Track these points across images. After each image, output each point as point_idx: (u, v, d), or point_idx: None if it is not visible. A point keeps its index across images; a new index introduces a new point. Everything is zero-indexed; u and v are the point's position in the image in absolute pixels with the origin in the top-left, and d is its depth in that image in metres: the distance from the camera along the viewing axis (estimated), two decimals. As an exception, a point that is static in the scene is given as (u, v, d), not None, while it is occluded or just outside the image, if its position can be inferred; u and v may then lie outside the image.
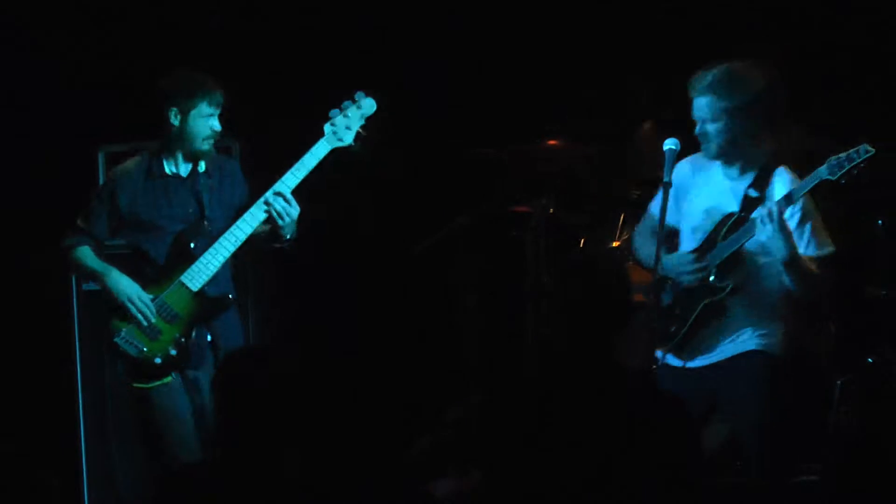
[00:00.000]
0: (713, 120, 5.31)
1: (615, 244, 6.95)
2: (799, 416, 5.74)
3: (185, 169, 5.72)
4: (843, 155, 5.19)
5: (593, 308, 4.15)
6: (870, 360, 6.75)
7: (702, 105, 5.33)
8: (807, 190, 5.23)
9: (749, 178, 5.40)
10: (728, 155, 5.38)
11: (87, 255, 5.72)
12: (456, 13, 7.68)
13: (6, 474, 6.41)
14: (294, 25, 7.60)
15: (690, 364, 5.42)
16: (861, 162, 5.16)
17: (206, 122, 5.65)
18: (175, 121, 5.64)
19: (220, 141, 6.24)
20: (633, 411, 4.08)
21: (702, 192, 5.48)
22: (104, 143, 6.70)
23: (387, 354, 7.50)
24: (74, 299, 6.68)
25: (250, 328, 6.50)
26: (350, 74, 7.55)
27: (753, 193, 5.35)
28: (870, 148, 5.19)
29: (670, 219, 5.47)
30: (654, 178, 5.81)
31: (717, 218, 5.41)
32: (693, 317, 5.39)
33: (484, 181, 7.29)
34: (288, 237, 5.69)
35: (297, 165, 5.65)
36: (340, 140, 5.69)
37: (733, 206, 5.39)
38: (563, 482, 4.02)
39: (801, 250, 5.27)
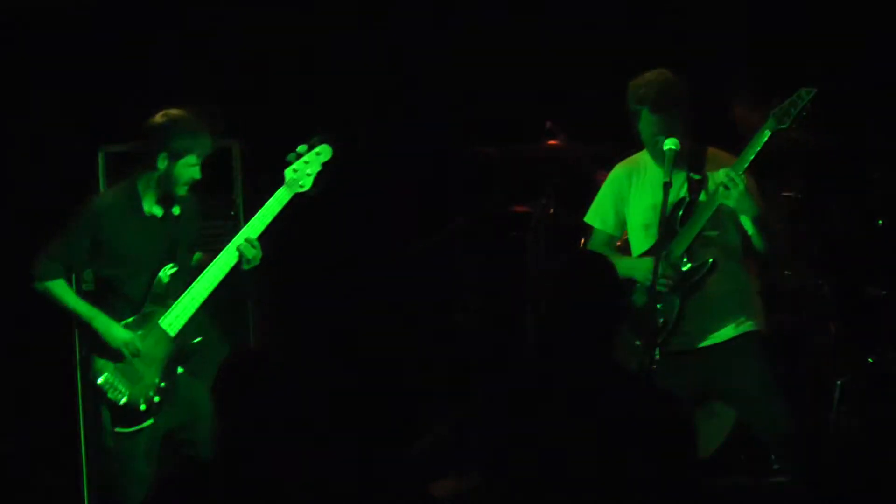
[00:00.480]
0: (668, 132, 5.44)
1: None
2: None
3: (159, 210, 5.76)
4: (784, 103, 5.37)
5: (584, 307, 4.16)
6: (870, 360, 6.75)
7: (655, 120, 5.51)
8: (761, 145, 5.40)
9: (685, 164, 5.53)
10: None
11: (64, 290, 5.73)
12: (458, 13, 7.68)
13: (6, 474, 6.41)
14: (294, 24, 7.60)
15: (689, 347, 5.56)
16: (806, 104, 5.33)
17: (190, 170, 5.69)
18: (161, 164, 5.66)
19: (220, 141, 6.25)
20: (633, 411, 4.08)
21: (644, 190, 5.64)
22: (104, 143, 6.69)
23: (387, 354, 7.49)
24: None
25: (251, 328, 6.49)
26: (351, 75, 7.58)
27: (696, 176, 5.50)
28: (810, 89, 5.35)
29: (611, 229, 5.75)
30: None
31: (666, 211, 5.50)
32: (679, 305, 5.54)
33: (484, 181, 7.29)
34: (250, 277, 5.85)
35: (260, 213, 5.77)
36: (301, 186, 5.80)
37: (679, 194, 5.52)
38: (562, 481, 4.02)
39: None
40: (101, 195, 5.91)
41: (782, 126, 5.42)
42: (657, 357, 5.39)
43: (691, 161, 5.58)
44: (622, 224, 5.75)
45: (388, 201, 7.71)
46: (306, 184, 5.80)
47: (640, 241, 5.67)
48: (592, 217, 5.82)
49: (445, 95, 7.68)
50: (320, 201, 7.34)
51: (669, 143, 5.52)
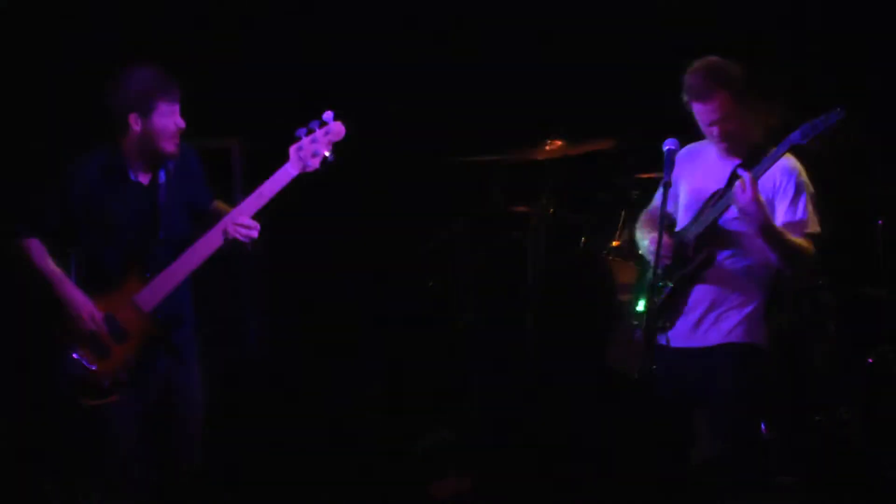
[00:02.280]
0: (724, 118, 5.38)
1: (615, 244, 6.96)
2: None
3: (146, 177, 5.48)
4: (816, 120, 5.28)
5: (580, 307, 4.18)
6: (870, 360, 6.75)
7: (697, 110, 5.41)
8: (780, 155, 5.33)
9: (740, 154, 5.48)
10: (729, 140, 5.46)
11: (36, 250, 5.45)
12: (459, 14, 7.70)
13: (6, 475, 6.42)
14: (294, 25, 7.61)
15: (674, 344, 5.41)
16: (833, 125, 5.25)
17: (169, 119, 5.39)
18: (137, 126, 5.39)
19: (220, 141, 6.22)
20: (631, 411, 4.09)
21: (696, 174, 5.57)
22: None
23: (387, 355, 7.50)
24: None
25: (251, 330, 6.49)
26: (353, 75, 7.60)
27: (742, 172, 5.37)
28: (841, 111, 5.28)
29: (672, 208, 5.59)
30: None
31: (706, 196, 5.47)
32: (668, 291, 5.43)
33: (484, 182, 7.31)
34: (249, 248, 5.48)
35: (258, 191, 5.41)
36: (306, 167, 5.40)
37: (721, 185, 5.46)
38: (562, 481, 4.03)
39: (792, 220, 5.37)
40: (82, 157, 5.51)
41: (803, 142, 5.34)
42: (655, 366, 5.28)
43: (750, 154, 5.45)
44: (676, 199, 5.64)
45: (388, 203, 7.73)
46: (312, 164, 5.38)
47: (681, 224, 5.61)
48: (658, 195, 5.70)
49: (445, 95, 7.71)
50: (319, 201, 7.40)
51: (669, 143, 5.49)
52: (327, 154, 5.42)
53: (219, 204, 5.63)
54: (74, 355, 5.41)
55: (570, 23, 7.66)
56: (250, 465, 5.98)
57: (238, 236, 5.38)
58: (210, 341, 5.72)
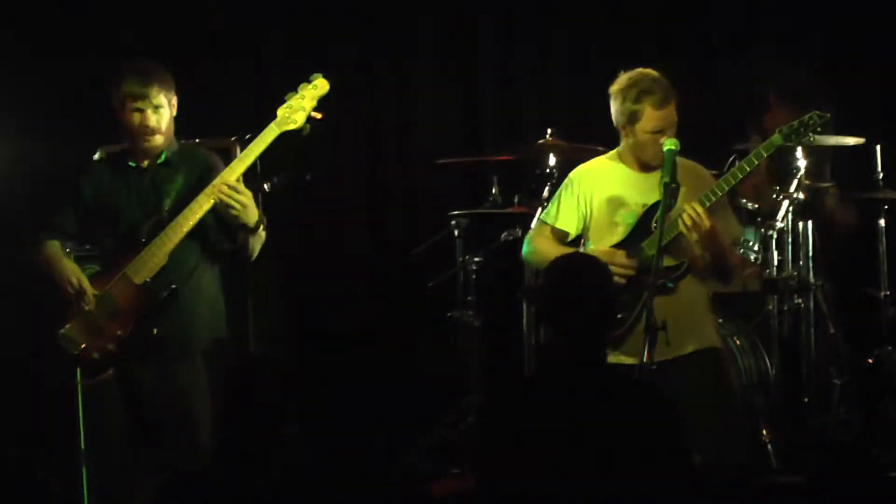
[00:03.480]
0: (672, 125, 5.37)
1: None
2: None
3: (145, 161, 5.49)
4: (795, 123, 5.27)
5: (581, 308, 4.17)
6: (870, 360, 6.75)
7: (660, 116, 5.40)
8: (764, 157, 5.33)
9: (656, 167, 5.40)
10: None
11: (49, 247, 5.52)
12: (461, 15, 7.72)
13: (6, 475, 6.41)
14: (294, 24, 7.62)
15: (658, 361, 5.12)
16: (816, 127, 5.26)
17: (132, 116, 5.41)
18: (119, 116, 5.44)
19: (220, 141, 6.21)
20: (632, 410, 4.09)
21: (615, 188, 5.51)
22: (104, 143, 6.68)
23: (387, 355, 7.50)
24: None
25: (249, 329, 6.48)
26: (353, 75, 7.61)
27: (671, 182, 5.30)
28: (825, 114, 5.28)
29: (564, 224, 5.54)
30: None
31: (639, 210, 5.43)
32: (637, 312, 5.33)
33: (483, 182, 7.32)
34: (252, 224, 5.41)
35: (244, 153, 5.40)
36: (293, 122, 5.39)
37: (651, 198, 5.38)
38: (562, 481, 4.03)
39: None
40: (95, 152, 5.68)
41: (787, 142, 5.32)
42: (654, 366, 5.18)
43: (662, 164, 5.37)
44: (584, 222, 5.58)
45: (387, 203, 7.74)
46: (298, 119, 5.38)
47: (603, 235, 5.54)
48: (553, 216, 5.62)
49: (445, 94, 7.71)
50: (321, 201, 7.39)
51: (670, 144, 5.47)
52: (313, 109, 5.43)
53: None
54: (68, 334, 5.43)
55: (570, 21, 7.68)
56: (248, 464, 5.99)
57: (224, 198, 5.32)
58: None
